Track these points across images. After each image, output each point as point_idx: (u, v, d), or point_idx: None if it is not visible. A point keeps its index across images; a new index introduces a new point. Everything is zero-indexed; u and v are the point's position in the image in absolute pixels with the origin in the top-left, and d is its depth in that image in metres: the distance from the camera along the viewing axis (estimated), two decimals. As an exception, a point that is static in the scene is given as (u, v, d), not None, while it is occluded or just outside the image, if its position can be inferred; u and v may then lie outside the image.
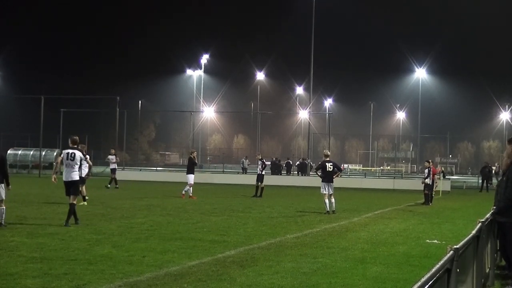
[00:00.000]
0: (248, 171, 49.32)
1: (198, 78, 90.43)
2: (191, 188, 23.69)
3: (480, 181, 40.23)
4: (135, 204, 19.89)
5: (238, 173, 46.53)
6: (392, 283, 8.28)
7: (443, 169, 35.48)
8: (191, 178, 23.74)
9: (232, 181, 37.23)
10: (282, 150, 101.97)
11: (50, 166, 50.39)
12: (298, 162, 50.78)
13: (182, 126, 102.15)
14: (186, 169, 24.72)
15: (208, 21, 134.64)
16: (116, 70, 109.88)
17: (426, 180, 24.33)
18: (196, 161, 24.89)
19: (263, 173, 26.46)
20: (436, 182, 25.72)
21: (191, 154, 25.12)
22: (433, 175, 24.82)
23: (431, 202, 24.25)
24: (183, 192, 23.81)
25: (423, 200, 24.66)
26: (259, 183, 25.84)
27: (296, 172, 49.27)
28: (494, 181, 40.41)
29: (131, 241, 11.29)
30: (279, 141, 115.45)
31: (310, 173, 41.48)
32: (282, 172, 50.03)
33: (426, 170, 24.73)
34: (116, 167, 30.30)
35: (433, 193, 25.24)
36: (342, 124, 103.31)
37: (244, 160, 52.36)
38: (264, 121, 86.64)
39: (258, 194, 25.65)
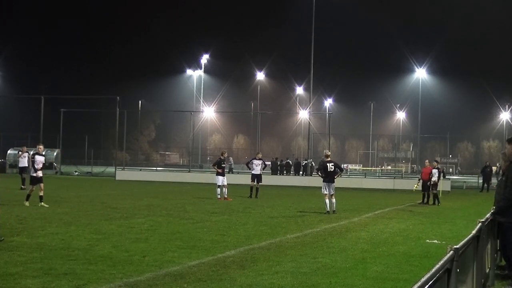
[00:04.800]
0: (240, 171, 48.68)
1: (198, 78, 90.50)
2: (219, 189, 23.40)
3: (481, 181, 40.26)
4: (135, 204, 19.88)
5: (238, 173, 46.49)
6: (392, 283, 8.28)
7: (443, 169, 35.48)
8: (219, 179, 23.43)
9: (232, 181, 37.22)
10: (282, 150, 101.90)
11: (50, 166, 50.40)
12: (304, 163, 50.36)
13: (182, 126, 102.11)
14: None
15: (208, 21, 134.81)
16: (116, 70, 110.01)
17: (434, 180, 24.27)
18: (224, 163, 23.97)
19: (261, 172, 26.03)
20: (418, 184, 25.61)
21: (222, 155, 24.57)
22: (428, 174, 24.74)
23: (428, 202, 24.31)
24: (219, 196, 23.29)
25: (422, 201, 24.71)
26: (259, 183, 25.47)
27: (301, 172, 49.07)
28: (494, 181, 40.47)
29: (131, 241, 11.28)
30: (279, 141, 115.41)
31: (313, 173, 41.43)
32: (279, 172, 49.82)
33: (436, 171, 24.62)
34: (27, 166, 27.19)
35: (414, 189, 25.46)
36: (342, 124, 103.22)
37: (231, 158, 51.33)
38: (264, 121, 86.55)
39: (255, 195, 24.95)
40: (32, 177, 18.79)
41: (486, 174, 39.05)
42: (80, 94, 68.91)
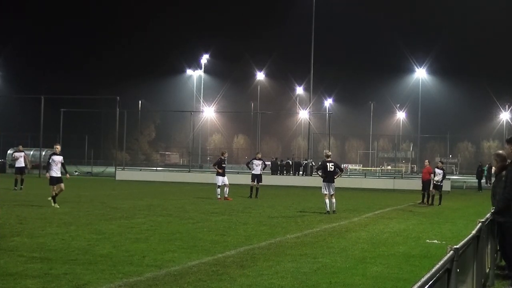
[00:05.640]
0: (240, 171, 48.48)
1: (198, 78, 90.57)
2: (219, 189, 23.36)
3: (482, 181, 40.94)
4: (135, 204, 19.88)
5: (238, 173, 46.50)
6: (392, 283, 8.28)
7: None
8: (219, 180, 23.37)
9: (232, 181, 37.22)
10: (282, 150, 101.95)
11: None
12: (304, 163, 50.34)
13: (182, 126, 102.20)
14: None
15: (208, 21, 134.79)
16: (116, 70, 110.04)
17: (437, 180, 24.22)
18: (224, 163, 23.88)
19: (261, 172, 26.01)
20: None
21: (223, 155, 24.48)
22: (430, 174, 24.73)
23: (429, 203, 24.31)
24: (219, 196, 23.29)
25: (422, 201, 24.73)
26: (259, 183, 25.42)
27: (301, 172, 49.09)
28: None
29: (131, 241, 11.28)
30: (279, 141, 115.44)
31: (313, 173, 41.47)
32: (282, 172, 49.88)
33: (441, 171, 24.58)
34: (24, 166, 27.03)
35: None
36: (342, 124, 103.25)
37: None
38: (264, 121, 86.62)
39: (255, 195, 24.90)
40: (51, 177, 18.51)
41: (478, 174, 39.94)
42: (80, 94, 68.88)
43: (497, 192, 8.39)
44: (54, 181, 18.46)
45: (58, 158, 18.75)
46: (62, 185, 18.54)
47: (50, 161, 18.74)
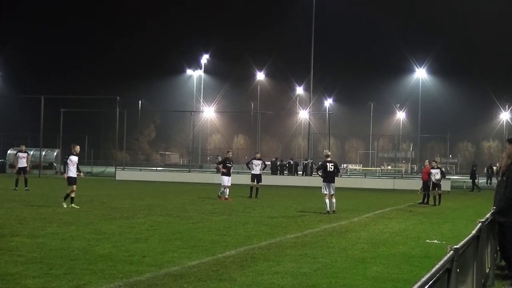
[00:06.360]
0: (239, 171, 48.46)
1: (198, 78, 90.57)
2: (222, 188, 23.32)
3: (481, 181, 40.93)
4: (135, 204, 19.88)
5: (238, 173, 46.47)
6: (392, 283, 8.28)
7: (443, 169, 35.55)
8: (224, 180, 23.34)
9: (232, 181, 37.13)
10: (282, 150, 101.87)
11: (50, 166, 50.40)
12: (304, 163, 50.32)
13: (182, 126, 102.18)
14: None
15: (208, 21, 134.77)
16: (116, 70, 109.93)
17: (437, 179, 24.20)
18: (229, 163, 23.80)
19: (261, 172, 26.00)
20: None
21: (227, 155, 24.50)
22: (427, 174, 24.75)
23: (428, 202, 24.30)
24: (219, 194, 23.36)
25: (422, 201, 24.72)
26: (259, 183, 25.41)
27: (300, 172, 49.09)
28: (494, 180, 41.05)
29: (131, 241, 11.28)
30: (279, 141, 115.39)
31: (313, 173, 41.47)
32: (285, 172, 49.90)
33: (437, 170, 24.57)
34: (26, 166, 26.91)
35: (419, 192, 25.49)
36: (342, 124, 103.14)
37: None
38: (264, 121, 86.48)
39: (255, 195, 24.90)
40: (70, 177, 18.39)
41: (471, 174, 40.22)
42: (80, 94, 68.88)
43: (499, 192, 8.38)
44: (73, 181, 18.38)
45: (75, 159, 18.65)
46: (75, 186, 18.51)
47: (68, 161, 18.59)
